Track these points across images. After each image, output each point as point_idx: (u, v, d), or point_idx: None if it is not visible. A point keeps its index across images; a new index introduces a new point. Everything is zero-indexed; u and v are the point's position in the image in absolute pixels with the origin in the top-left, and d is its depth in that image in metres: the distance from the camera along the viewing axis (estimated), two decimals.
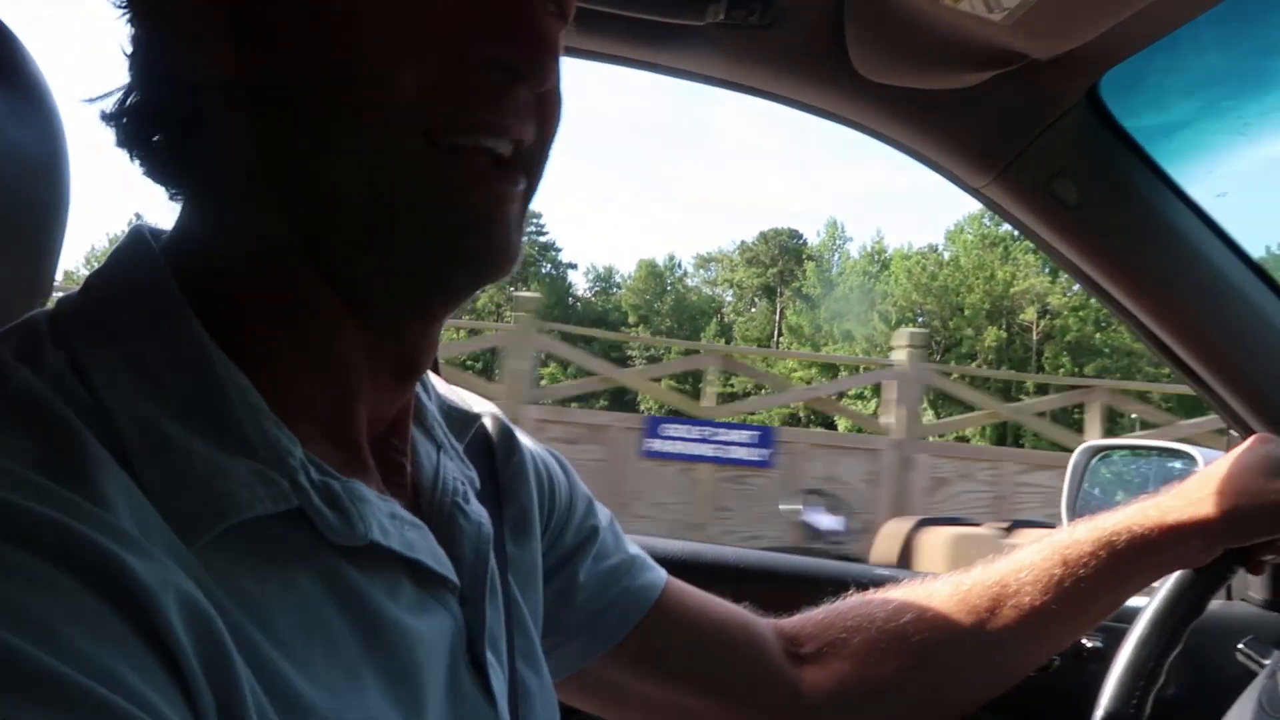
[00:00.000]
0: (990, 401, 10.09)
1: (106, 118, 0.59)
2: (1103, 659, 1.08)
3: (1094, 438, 9.37)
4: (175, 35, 0.57)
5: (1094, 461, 1.36)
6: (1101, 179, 1.13)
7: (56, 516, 0.44)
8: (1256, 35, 1.16)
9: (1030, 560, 0.97)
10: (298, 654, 0.52)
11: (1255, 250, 1.14)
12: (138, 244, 0.60)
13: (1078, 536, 0.97)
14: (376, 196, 0.57)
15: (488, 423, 0.82)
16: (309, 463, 0.56)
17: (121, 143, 0.60)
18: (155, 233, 0.62)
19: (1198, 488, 0.97)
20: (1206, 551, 0.97)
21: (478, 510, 0.70)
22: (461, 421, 0.78)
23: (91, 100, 0.60)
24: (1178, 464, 1.28)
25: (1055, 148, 1.11)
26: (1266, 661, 1.14)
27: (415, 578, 0.61)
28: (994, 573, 0.98)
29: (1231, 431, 1.22)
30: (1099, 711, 0.98)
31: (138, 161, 0.60)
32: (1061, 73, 1.05)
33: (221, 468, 0.52)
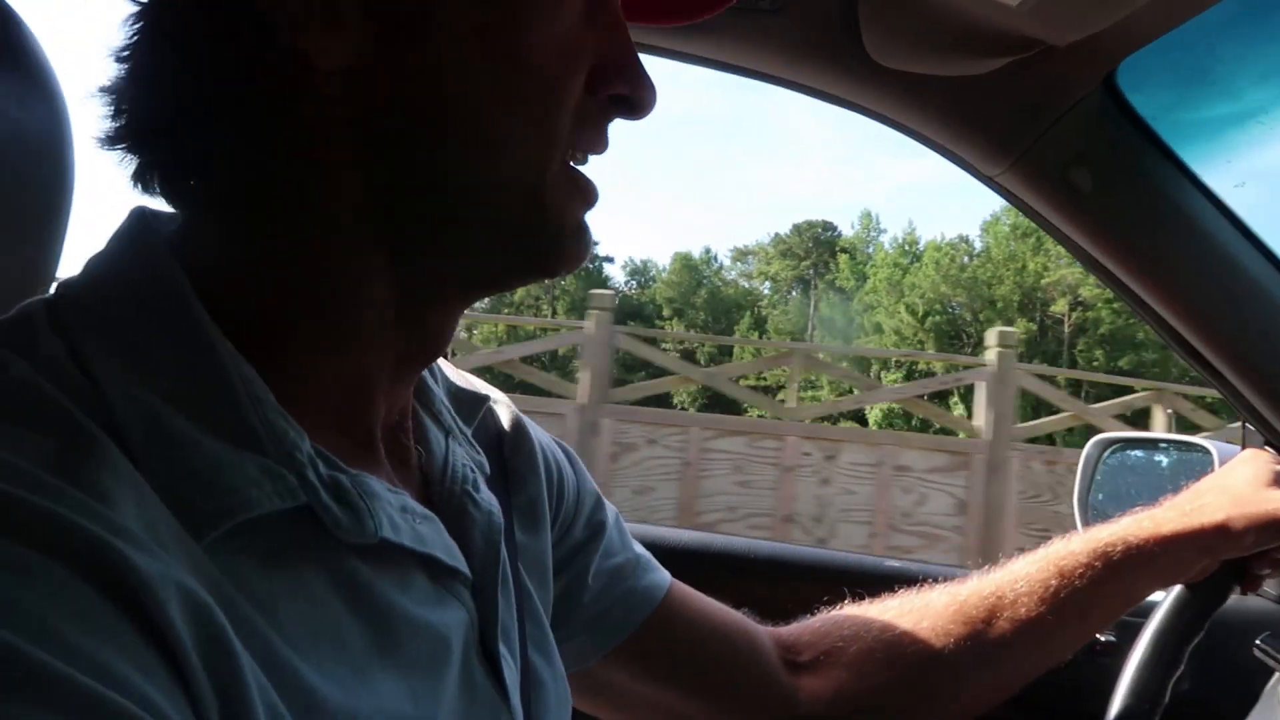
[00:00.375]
0: (688, 367, 9.84)
1: (151, 90, 0.57)
2: (1116, 653, 1.05)
3: (791, 401, 9.14)
4: (312, 6, 0.54)
5: (1106, 455, 1.32)
6: (1117, 167, 1.09)
7: (52, 509, 0.42)
8: (1277, 23, 1.11)
9: (1026, 571, 0.96)
10: (307, 650, 0.50)
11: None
12: (141, 227, 0.58)
13: (1073, 548, 0.96)
14: (511, 206, 0.59)
15: (498, 410, 0.80)
16: (317, 457, 0.54)
17: (154, 116, 0.57)
18: (158, 214, 0.60)
19: (1191, 500, 0.97)
20: (1201, 564, 0.96)
21: (488, 499, 0.68)
22: (470, 405, 0.76)
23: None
24: (1193, 457, 1.24)
25: (1071, 135, 1.08)
26: None
27: (427, 571, 0.60)
28: (990, 583, 0.97)
29: (1246, 425, 1.19)
30: None
31: (158, 142, 0.58)
32: (1078, 59, 1.02)
33: (227, 463, 0.50)
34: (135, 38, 0.57)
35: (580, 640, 0.84)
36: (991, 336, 8.46)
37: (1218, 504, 0.94)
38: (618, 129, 0.66)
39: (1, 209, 0.70)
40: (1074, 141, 1.08)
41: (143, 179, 0.59)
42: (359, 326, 0.59)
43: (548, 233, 0.61)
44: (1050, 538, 0.98)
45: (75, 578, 0.41)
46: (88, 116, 0.60)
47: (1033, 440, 9.01)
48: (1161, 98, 1.10)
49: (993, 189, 1.15)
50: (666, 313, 47.72)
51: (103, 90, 0.58)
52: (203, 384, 0.52)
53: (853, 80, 1.08)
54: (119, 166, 0.59)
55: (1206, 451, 1.21)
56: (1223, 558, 0.96)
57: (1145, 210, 1.09)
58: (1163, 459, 1.31)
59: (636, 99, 0.64)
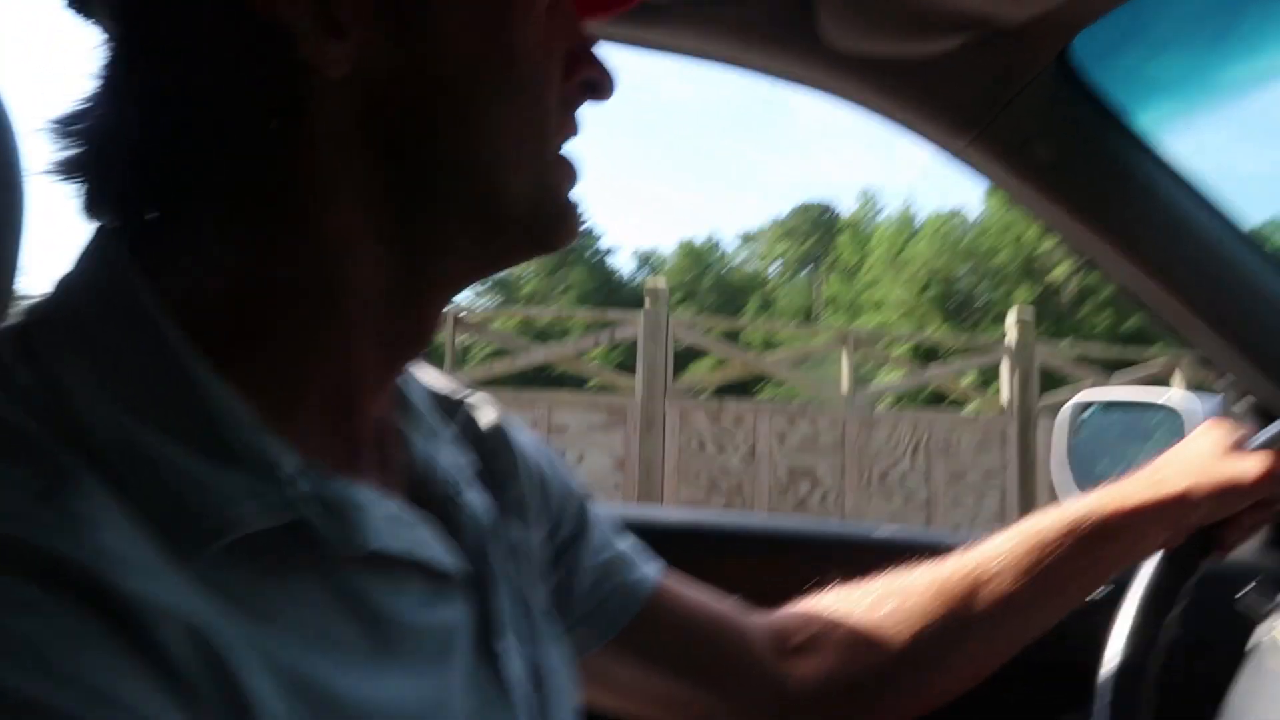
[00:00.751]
0: None
1: (132, 102, 0.56)
2: (1109, 609, 1.04)
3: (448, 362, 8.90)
4: (316, 18, 0.54)
5: (1085, 416, 1.31)
6: (1076, 140, 1.08)
7: (40, 540, 0.42)
8: None
9: (1005, 547, 0.96)
10: (313, 656, 0.50)
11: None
12: (106, 246, 0.57)
13: (1047, 523, 0.96)
14: (517, 191, 0.61)
15: (478, 410, 0.79)
16: (303, 472, 0.53)
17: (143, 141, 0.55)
18: (122, 232, 0.58)
19: (1155, 472, 0.97)
20: (1170, 534, 0.96)
21: (476, 498, 0.68)
22: (449, 406, 0.76)
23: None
24: (1169, 414, 1.23)
25: (1028, 111, 1.07)
26: (1268, 608, 1.10)
27: (422, 574, 0.59)
28: (970, 561, 0.96)
29: (1226, 383, 1.18)
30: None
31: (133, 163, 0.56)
32: (1032, 36, 1.01)
33: (212, 484, 0.50)
34: (111, 62, 0.57)
35: (575, 635, 0.84)
36: (649, 290, 8.27)
37: (1179, 474, 0.95)
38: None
39: None
40: (1032, 117, 1.08)
41: (98, 204, 0.57)
42: (350, 327, 0.59)
43: (551, 212, 0.63)
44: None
45: (69, 606, 0.41)
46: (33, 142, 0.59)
47: (725, 391, 8.83)
48: (1118, 68, 1.09)
49: (957, 164, 1.15)
50: (674, 299, 47.62)
51: (60, 119, 0.57)
52: (179, 405, 0.51)
53: (810, 66, 1.08)
54: (68, 194, 0.57)
55: (1183, 408, 1.20)
56: (1188, 527, 0.96)
57: (1106, 180, 1.09)
58: (1140, 417, 1.30)
59: (603, 82, 0.67)
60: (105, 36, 0.57)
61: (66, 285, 0.56)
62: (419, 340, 0.64)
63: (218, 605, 0.47)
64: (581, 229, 0.66)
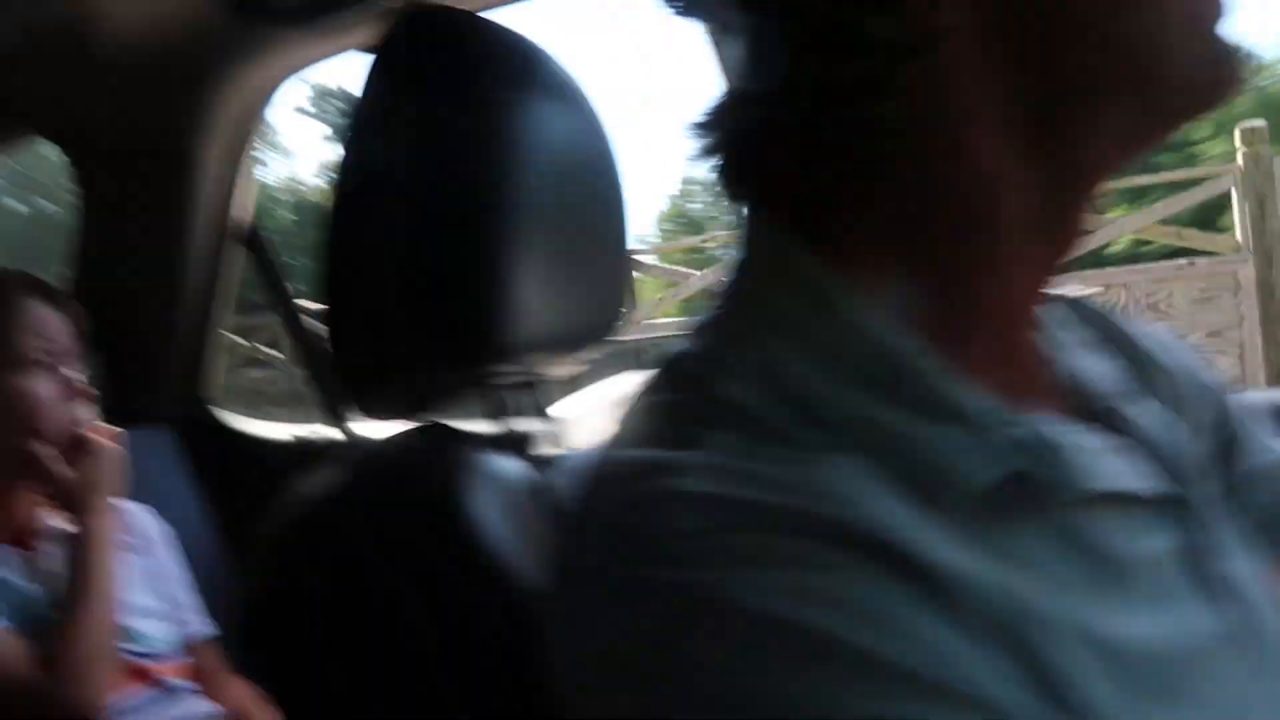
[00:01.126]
0: None
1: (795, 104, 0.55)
2: None
3: None
4: None
5: None
6: None
7: (825, 510, 0.45)
8: None
9: None
10: (1065, 606, 0.50)
11: None
12: (763, 221, 0.59)
13: None
14: (1174, 52, 0.53)
15: (1104, 311, 0.73)
16: (1004, 418, 0.52)
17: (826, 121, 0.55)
18: (772, 206, 0.59)
19: None
20: None
21: (1148, 411, 0.63)
22: (1077, 310, 0.70)
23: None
24: None
25: None
26: None
27: (1129, 504, 0.56)
28: None
29: None
30: None
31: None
32: None
33: (935, 442, 0.50)
34: (737, 52, 0.58)
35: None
36: None
37: None
38: None
39: (587, 224, 0.78)
40: None
41: (743, 184, 0.59)
42: (1008, 254, 0.55)
43: (1206, 59, 0.54)
44: None
45: (876, 570, 0.43)
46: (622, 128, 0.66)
47: None
48: None
49: None
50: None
51: (700, 118, 0.59)
52: (882, 368, 0.52)
53: None
54: (712, 177, 0.60)
55: None
56: None
57: None
58: None
59: None
60: (722, 31, 0.59)
61: (741, 268, 0.59)
62: (1069, 248, 0.58)
63: (979, 561, 0.47)
64: (1242, 72, 0.55)
